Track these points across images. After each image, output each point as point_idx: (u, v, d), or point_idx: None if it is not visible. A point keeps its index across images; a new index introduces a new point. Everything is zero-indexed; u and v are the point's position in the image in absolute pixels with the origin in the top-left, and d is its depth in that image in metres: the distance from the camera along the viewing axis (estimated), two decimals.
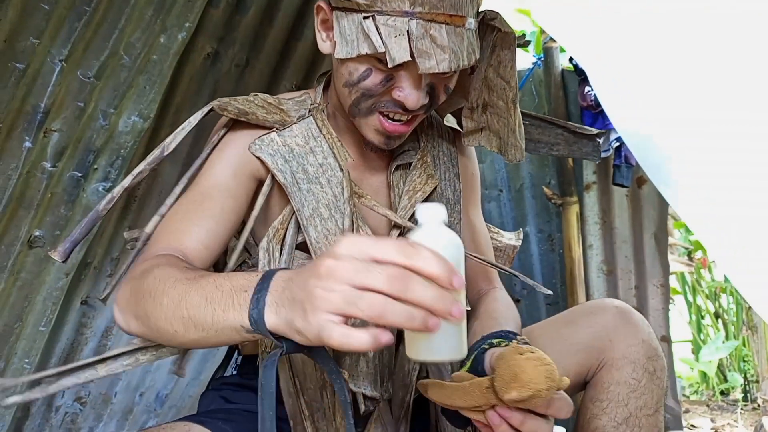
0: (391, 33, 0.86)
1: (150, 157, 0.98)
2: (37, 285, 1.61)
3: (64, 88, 1.47)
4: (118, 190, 0.97)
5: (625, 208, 2.33)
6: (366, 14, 0.87)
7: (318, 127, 1.01)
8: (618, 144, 2.04)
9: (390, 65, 0.86)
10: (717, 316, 3.28)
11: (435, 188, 1.06)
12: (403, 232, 1.01)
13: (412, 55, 0.86)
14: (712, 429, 2.64)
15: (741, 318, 3.13)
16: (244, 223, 1.00)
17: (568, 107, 2.36)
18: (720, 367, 3.18)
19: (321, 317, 0.59)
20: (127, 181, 0.97)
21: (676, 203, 1.67)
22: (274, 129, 0.99)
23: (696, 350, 3.24)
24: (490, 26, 1.02)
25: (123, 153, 1.61)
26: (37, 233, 1.56)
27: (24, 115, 1.45)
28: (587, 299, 2.33)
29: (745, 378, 3.08)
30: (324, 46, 0.97)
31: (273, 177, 0.98)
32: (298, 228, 0.98)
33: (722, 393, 3.13)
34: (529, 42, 2.35)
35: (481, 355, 0.85)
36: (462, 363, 0.89)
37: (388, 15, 0.86)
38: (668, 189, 1.62)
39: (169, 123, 1.73)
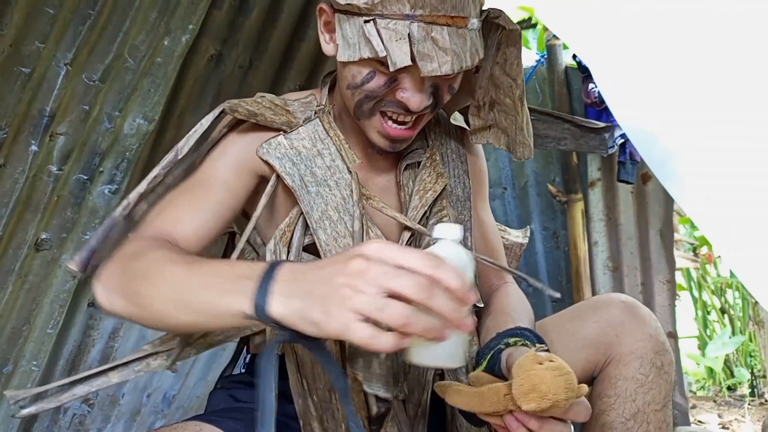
0: (392, 37, 0.86)
1: (164, 162, 0.97)
2: (45, 288, 1.62)
3: (69, 92, 1.48)
4: (134, 197, 0.95)
5: (630, 205, 2.33)
6: (367, 18, 0.87)
7: (325, 129, 1.01)
8: (623, 141, 2.03)
9: (391, 69, 0.86)
10: (723, 311, 3.27)
11: (445, 187, 1.06)
12: (414, 234, 1.01)
13: (413, 58, 0.86)
14: (719, 424, 2.63)
15: (747, 313, 3.12)
16: (247, 219, 1.00)
17: (572, 104, 2.36)
18: (726, 363, 3.17)
19: (346, 314, 0.61)
20: (142, 187, 0.96)
21: (680, 199, 1.67)
22: (281, 132, 0.99)
23: (702, 346, 3.24)
24: (494, 24, 1.01)
25: (128, 155, 1.62)
26: (43, 236, 1.57)
27: (30, 119, 1.46)
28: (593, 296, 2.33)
29: (752, 373, 3.07)
30: (327, 48, 0.97)
31: (278, 178, 0.98)
32: (305, 230, 0.98)
33: (729, 388, 3.12)
34: (535, 25, 2.36)
35: (498, 355, 0.85)
36: (478, 362, 0.89)
37: (389, 18, 0.86)
38: (673, 184, 1.62)
39: (174, 125, 1.73)
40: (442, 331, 0.62)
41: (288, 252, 0.97)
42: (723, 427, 2.60)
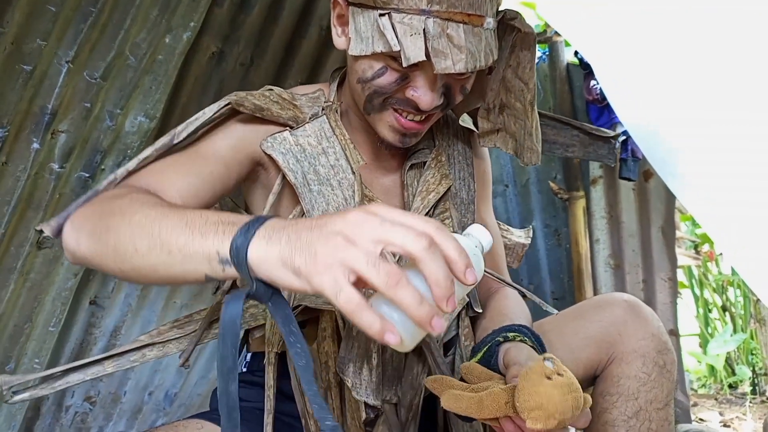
0: (406, 31, 0.84)
1: (158, 143, 0.92)
2: (47, 285, 1.62)
3: (71, 89, 1.48)
4: (121, 173, 0.90)
5: (632, 202, 2.32)
6: (382, 11, 0.85)
7: (331, 127, 1.00)
8: (624, 138, 2.03)
9: (405, 64, 0.84)
10: (724, 309, 3.27)
11: (449, 188, 1.05)
12: None
13: (427, 54, 0.84)
14: (720, 422, 2.63)
15: (749, 311, 3.12)
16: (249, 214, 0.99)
17: (573, 101, 2.36)
18: (728, 361, 3.17)
19: (335, 268, 0.55)
20: (131, 165, 0.91)
21: (682, 196, 1.67)
22: (287, 128, 0.98)
23: (704, 344, 3.24)
24: (509, 26, 0.99)
25: (130, 153, 1.61)
26: (45, 234, 1.57)
27: (32, 117, 1.46)
28: (595, 294, 2.33)
29: (754, 371, 3.07)
30: (339, 42, 0.95)
31: (284, 177, 0.97)
32: None
33: (730, 386, 3.12)
34: (549, 38, 2.35)
35: (495, 348, 0.85)
36: (473, 354, 0.89)
37: (405, 13, 0.84)
38: (674, 181, 1.61)
39: (175, 123, 1.72)
40: (433, 318, 0.56)
41: None
42: (724, 425, 2.60)
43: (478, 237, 0.77)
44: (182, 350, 1.00)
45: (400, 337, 0.56)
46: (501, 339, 0.86)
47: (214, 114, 0.95)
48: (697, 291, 3.29)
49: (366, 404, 0.93)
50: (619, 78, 1.77)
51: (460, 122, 1.15)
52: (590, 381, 0.99)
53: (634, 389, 0.92)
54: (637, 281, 2.34)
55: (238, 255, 0.60)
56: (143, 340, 0.97)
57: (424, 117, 0.94)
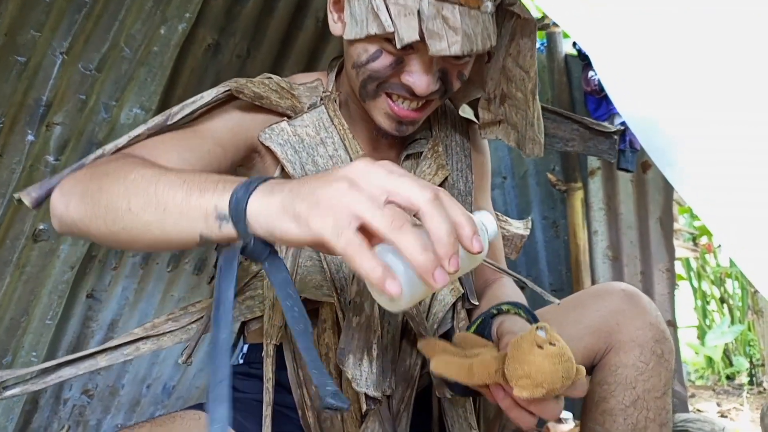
0: (400, 12, 0.82)
1: (152, 122, 0.90)
2: (43, 278, 1.62)
3: (65, 81, 1.47)
4: (110, 148, 0.87)
5: (630, 194, 2.32)
6: None
7: (330, 117, 0.99)
8: (623, 128, 2.02)
9: (398, 46, 0.83)
10: (722, 301, 3.27)
11: (446, 179, 1.04)
12: None
13: (421, 35, 0.82)
14: (718, 413, 2.64)
15: (746, 302, 3.13)
16: None
17: (571, 92, 2.35)
18: (725, 352, 3.18)
19: (337, 210, 0.53)
20: (121, 141, 0.88)
21: (681, 187, 1.66)
22: (285, 118, 0.97)
23: (701, 335, 3.24)
24: (509, 12, 0.98)
25: None
26: (41, 227, 1.57)
27: (26, 109, 1.45)
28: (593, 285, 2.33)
29: (751, 362, 3.08)
30: (335, 28, 0.94)
31: (282, 168, 0.96)
32: None
33: (728, 377, 3.13)
34: (548, 26, 2.34)
35: (489, 319, 0.84)
36: (468, 325, 0.88)
37: None
38: (672, 172, 1.61)
39: None
40: (436, 270, 0.53)
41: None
42: (722, 416, 2.60)
43: (486, 223, 0.73)
44: (176, 343, 0.99)
45: (401, 287, 0.53)
46: (495, 311, 0.85)
47: (213, 98, 0.93)
48: (695, 283, 3.30)
49: (366, 396, 0.92)
50: (618, 69, 1.76)
51: (461, 113, 1.14)
52: (588, 370, 0.98)
53: (632, 378, 0.92)
54: (635, 273, 2.34)
55: (237, 208, 0.58)
56: (137, 333, 0.96)
57: (420, 104, 0.93)
